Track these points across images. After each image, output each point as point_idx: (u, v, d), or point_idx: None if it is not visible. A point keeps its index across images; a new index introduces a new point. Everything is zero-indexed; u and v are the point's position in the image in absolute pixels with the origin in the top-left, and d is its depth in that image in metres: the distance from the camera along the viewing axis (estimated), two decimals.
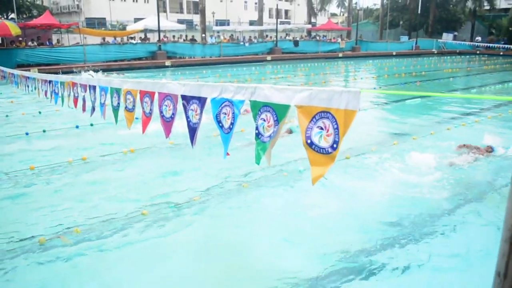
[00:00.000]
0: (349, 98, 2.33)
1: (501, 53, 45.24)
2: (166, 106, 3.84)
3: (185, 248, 4.98)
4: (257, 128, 2.89)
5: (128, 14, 52.00)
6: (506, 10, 57.84)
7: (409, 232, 5.18)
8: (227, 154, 3.25)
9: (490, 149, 8.69)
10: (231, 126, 3.11)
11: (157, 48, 29.86)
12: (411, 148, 8.85)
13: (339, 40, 41.81)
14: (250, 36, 38.45)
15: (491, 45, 47.89)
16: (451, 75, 25.65)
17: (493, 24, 55.65)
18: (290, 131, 10.66)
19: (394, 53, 42.28)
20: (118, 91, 4.85)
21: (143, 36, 33.12)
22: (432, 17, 53.43)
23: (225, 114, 3.13)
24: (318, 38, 41.93)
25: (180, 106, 3.70)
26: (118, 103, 4.90)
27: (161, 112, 3.91)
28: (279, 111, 2.74)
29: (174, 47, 30.97)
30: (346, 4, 57.33)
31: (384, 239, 4.98)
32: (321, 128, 2.47)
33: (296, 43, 37.20)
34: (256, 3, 45.77)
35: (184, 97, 3.58)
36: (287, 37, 41.16)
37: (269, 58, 33.43)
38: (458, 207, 5.93)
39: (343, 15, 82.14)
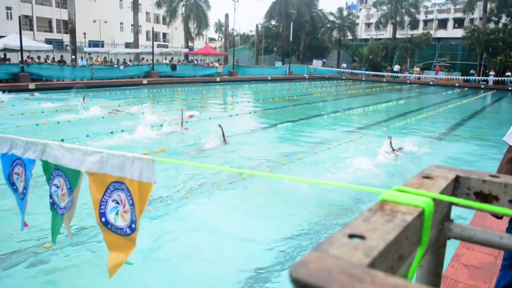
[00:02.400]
0: (142, 167, 1.92)
1: (363, 79, 49.80)
2: None
3: None
4: (51, 196, 2.31)
5: None
6: (366, 40, 64.10)
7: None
8: (25, 224, 2.56)
9: (400, 149, 11.01)
10: (24, 191, 2.44)
11: (19, 69, 27.31)
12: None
13: (217, 64, 42.37)
14: (125, 59, 37.14)
15: (354, 71, 52.48)
16: (321, 99, 27.30)
17: (356, 52, 61.15)
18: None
19: (269, 78, 43.99)
20: None
21: (2, 56, 30.08)
22: (303, 44, 57.03)
23: (18, 175, 2.47)
24: (196, 62, 42.08)
25: None
26: None
27: None
28: (71, 177, 2.18)
29: (39, 69, 28.57)
30: (223, 29, 58.74)
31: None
32: (117, 202, 1.99)
33: (173, 67, 36.81)
34: (132, 25, 44.61)
35: None
36: (164, 61, 40.62)
37: (145, 81, 32.50)
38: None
39: (220, 40, 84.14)
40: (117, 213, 1.98)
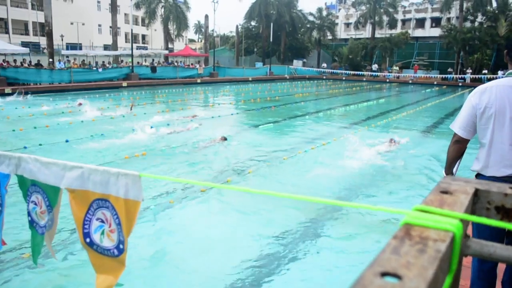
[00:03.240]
0: (128, 184, 1.76)
1: (344, 78, 50.15)
2: None
3: None
4: (29, 214, 2.13)
5: None
6: (346, 40, 64.62)
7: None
8: (3, 243, 2.36)
9: (393, 141, 11.82)
10: (0, 208, 2.24)
11: None
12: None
13: (197, 66, 42.14)
14: (103, 61, 36.61)
15: (335, 71, 52.76)
16: (302, 99, 27.33)
17: (336, 52, 61.53)
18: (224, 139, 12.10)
19: (250, 79, 43.91)
20: None
21: None
22: (283, 45, 57.15)
23: None
24: (176, 64, 41.76)
25: None
26: None
27: None
28: (49, 194, 2.00)
29: (16, 73, 27.98)
30: (203, 30, 58.48)
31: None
32: (102, 221, 1.84)
33: (153, 68, 36.44)
34: (111, 27, 44.05)
35: None
36: (144, 63, 40.23)
37: (125, 84, 32.09)
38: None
39: (200, 41, 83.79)
40: (102, 233, 1.84)
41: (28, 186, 2.08)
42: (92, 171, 1.83)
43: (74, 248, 5.28)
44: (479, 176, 3.18)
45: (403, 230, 0.61)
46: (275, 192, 1.47)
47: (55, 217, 2.05)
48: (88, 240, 1.87)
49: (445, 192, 0.76)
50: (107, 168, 1.82)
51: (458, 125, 3.23)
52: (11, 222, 5.42)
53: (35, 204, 2.07)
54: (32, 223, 2.12)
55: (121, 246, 1.79)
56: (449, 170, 3.34)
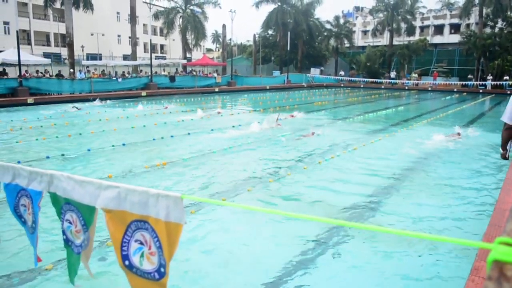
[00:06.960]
0: (170, 206, 1.65)
1: (362, 86, 49.86)
2: None
3: None
4: (64, 233, 2.06)
5: None
6: (363, 47, 64.40)
7: None
8: (38, 259, 2.34)
9: (459, 134, 13.83)
10: (33, 225, 2.19)
11: (17, 84, 27.22)
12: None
13: (215, 75, 42.37)
14: (123, 71, 37.10)
15: (352, 78, 52.53)
16: (321, 107, 27.20)
17: (353, 60, 61.31)
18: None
19: (267, 87, 43.96)
20: None
21: (1, 70, 30.00)
22: (301, 53, 57.15)
23: (25, 206, 2.22)
24: (194, 73, 42.06)
25: None
26: None
27: None
28: (84, 213, 1.92)
29: (38, 83, 28.49)
30: (221, 39, 58.90)
31: None
32: (141, 243, 1.75)
33: (172, 78, 36.77)
34: (130, 37, 44.67)
35: None
36: (163, 72, 40.65)
37: (144, 93, 32.43)
38: None
39: (218, 50, 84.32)
40: (142, 255, 1.75)
41: (61, 204, 2.02)
42: (129, 192, 1.75)
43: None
44: None
45: (496, 270, 0.54)
46: (289, 212, 1.43)
47: (91, 236, 1.98)
48: (127, 262, 1.79)
49: None
50: (146, 189, 1.73)
51: (506, 116, 4.42)
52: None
53: (70, 222, 2.01)
54: (67, 242, 2.05)
55: (162, 270, 1.71)
56: (504, 148, 4.62)
